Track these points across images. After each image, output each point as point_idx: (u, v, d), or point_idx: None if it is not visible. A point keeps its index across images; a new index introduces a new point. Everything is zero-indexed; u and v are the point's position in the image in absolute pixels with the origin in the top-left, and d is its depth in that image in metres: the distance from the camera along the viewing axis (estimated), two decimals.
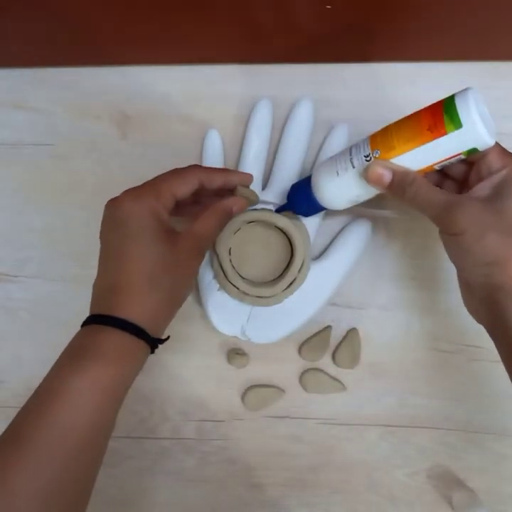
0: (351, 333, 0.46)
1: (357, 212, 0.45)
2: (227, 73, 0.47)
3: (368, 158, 0.36)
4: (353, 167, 0.37)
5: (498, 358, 0.46)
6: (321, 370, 0.46)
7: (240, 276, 0.44)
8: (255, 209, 0.43)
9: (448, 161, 0.34)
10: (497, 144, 0.35)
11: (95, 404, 0.32)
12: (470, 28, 0.42)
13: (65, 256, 0.48)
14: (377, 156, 0.36)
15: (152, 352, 0.36)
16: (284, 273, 0.44)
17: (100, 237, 0.37)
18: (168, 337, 0.37)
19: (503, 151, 0.35)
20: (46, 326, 0.48)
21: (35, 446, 0.30)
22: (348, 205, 0.40)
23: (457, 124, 0.32)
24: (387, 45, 0.44)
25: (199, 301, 0.45)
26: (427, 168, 0.35)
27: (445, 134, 0.33)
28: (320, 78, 0.46)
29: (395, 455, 0.46)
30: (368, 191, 0.38)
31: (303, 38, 0.43)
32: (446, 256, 0.46)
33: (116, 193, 0.47)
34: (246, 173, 0.42)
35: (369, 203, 0.40)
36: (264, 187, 0.45)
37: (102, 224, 0.37)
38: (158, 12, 0.40)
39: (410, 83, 0.46)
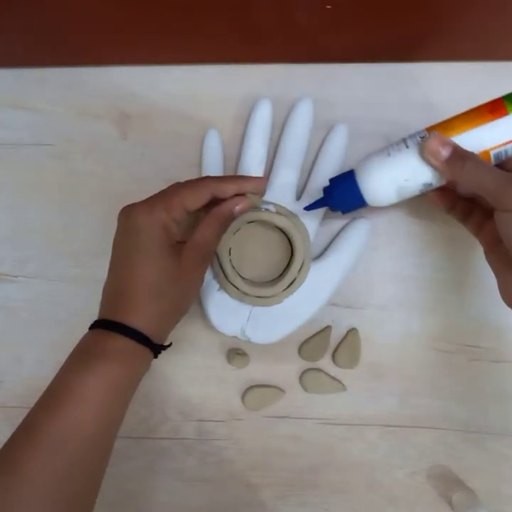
0: (351, 333, 0.46)
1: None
2: (227, 73, 0.47)
3: (424, 138, 0.36)
4: (407, 147, 0.37)
5: (498, 357, 0.46)
6: (321, 370, 0.46)
7: (240, 276, 0.44)
8: (256, 209, 0.43)
9: (505, 147, 0.35)
10: None
11: (101, 400, 0.34)
12: (470, 28, 0.42)
13: (65, 256, 0.48)
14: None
15: (155, 357, 0.37)
16: (284, 273, 0.44)
17: (113, 242, 0.38)
18: (171, 344, 0.38)
19: None
20: (46, 326, 0.48)
21: (46, 437, 0.32)
22: (393, 198, 0.39)
23: None
24: (387, 45, 0.44)
25: (199, 301, 0.45)
26: (483, 152, 0.35)
27: (506, 114, 0.34)
28: (320, 78, 0.46)
29: (395, 455, 0.46)
30: (419, 174, 0.37)
31: (303, 38, 0.43)
32: (446, 256, 0.46)
33: (116, 193, 0.47)
34: (259, 178, 0.42)
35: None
36: None
37: (116, 229, 0.38)
38: (158, 12, 0.40)
39: (410, 83, 0.46)
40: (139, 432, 0.47)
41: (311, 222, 0.44)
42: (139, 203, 0.38)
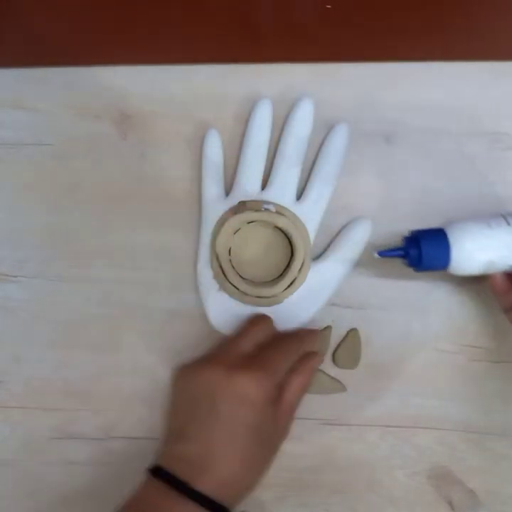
0: (351, 333, 0.46)
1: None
2: (227, 73, 0.47)
3: None
4: (508, 224, 0.37)
5: (498, 358, 0.46)
6: (321, 371, 0.46)
7: (240, 276, 0.44)
8: (255, 209, 0.43)
9: None
10: None
11: None
12: (470, 27, 0.42)
13: (65, 256, 0.48)
14: None
15: None
16: (284, 273, 0.44)
17: (216, 406, 0.35)
18: None
19: None
20: (46, 326, 0.47)
21: None
22: (478, 271, 0.38)
23: None
24: (388, 44, 0.44)
25: (199, 301, 0.45)
26: None
27: None
28: (320, 78, 0.46)
29: (395, 455, 0.46)
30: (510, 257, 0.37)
31: (303, 38, 0.43)
32: None
33: (116, 193, 0.47)
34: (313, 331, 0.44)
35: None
36: (263, 187, 0.45)
37: (219, 395, 0.36)
38: (158, 12, 0.40)
39: (410, 83, 0.46)
40: (139, 432, 0.47)
41: (311, 222, 0.44)
42: (242, 373, 0.36)
